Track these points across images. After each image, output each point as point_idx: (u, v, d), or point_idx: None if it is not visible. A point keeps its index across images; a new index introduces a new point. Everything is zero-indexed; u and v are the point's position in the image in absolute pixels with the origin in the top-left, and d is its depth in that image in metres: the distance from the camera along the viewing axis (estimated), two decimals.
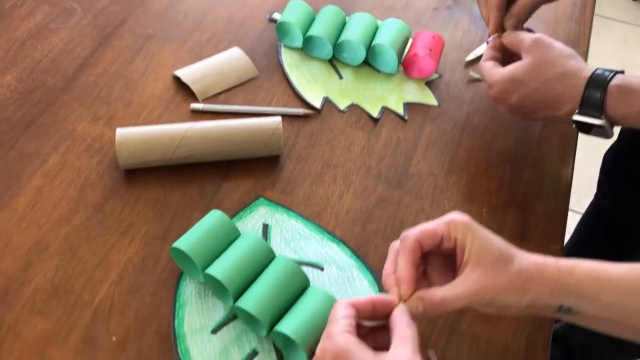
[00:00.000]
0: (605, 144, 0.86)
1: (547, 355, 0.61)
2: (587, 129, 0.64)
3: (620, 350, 1.06)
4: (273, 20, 0.89)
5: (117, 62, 0.82)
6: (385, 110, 0.80)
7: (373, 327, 0.50)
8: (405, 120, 0.79)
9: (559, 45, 0.67)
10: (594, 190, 1.09)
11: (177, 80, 0.80)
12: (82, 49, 0.83)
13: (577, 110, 0.63)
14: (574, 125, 0.65)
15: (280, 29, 0.85)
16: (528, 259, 0.50)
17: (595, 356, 1.17)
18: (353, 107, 0.80)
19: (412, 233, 0.50)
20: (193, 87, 0.79)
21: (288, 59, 0.85)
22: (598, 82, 0.62)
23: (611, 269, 0.50)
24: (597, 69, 0.63)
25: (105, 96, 0.78)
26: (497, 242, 0.50)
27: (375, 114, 0.79)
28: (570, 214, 0.74)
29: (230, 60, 0.82)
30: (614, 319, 0.49)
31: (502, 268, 0.48)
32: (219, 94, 0.79)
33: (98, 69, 0.81)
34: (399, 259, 0.50)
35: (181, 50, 0.84)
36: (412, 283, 0.49)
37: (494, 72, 0.70)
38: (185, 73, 0.80)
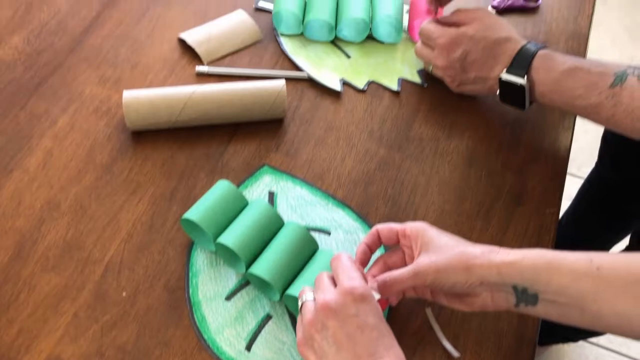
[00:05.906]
0: None
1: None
2: (508, 93, 0.72)
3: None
4: (260, 9, 0.85)
5: (123, 24, 0.83)
6: (403, 81, 0.80)
7: None
8: (423, 87, 0.80)
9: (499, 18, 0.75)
10: (595, 159, 1.10)
11: (183, 42, 0.81)
12: (88, 11, 0.84)
13: (505, 69, 0.71)
14: (497, 92, 0.73)
15: (277, 19, 0.83)
16: (476, 246, 0.55)
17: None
18: (372, 84, 0.80)
19: (376, 225, 0.60)
20: (198, 50, 0.79)
21: (290, 47, 0.81)
22: (530, 50, 0.70)
23: (564, 254, 0.53)
24: (531, 41, 0.72)
25: (112, 58, 0.79)
26: (447, 237, 0.57)
27: (395, 87, 0.80)
28: (572, 179, 0.76)
29: (235, 23, 0.83)
30: (572, 304, 0.51)
31: (442, 252, 0.55)
32: (224, 56, 0.80)
33: (104, 30, 0.82)
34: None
35: (186, 12, 0.85)
36: (359, 260, 0.59)
37: (445, 28, 0.75)
38: (191, 35, 0.81)
